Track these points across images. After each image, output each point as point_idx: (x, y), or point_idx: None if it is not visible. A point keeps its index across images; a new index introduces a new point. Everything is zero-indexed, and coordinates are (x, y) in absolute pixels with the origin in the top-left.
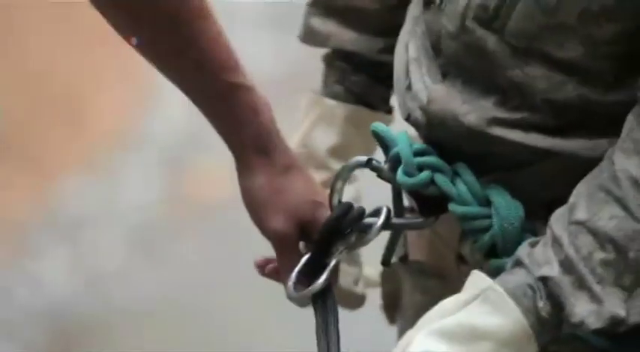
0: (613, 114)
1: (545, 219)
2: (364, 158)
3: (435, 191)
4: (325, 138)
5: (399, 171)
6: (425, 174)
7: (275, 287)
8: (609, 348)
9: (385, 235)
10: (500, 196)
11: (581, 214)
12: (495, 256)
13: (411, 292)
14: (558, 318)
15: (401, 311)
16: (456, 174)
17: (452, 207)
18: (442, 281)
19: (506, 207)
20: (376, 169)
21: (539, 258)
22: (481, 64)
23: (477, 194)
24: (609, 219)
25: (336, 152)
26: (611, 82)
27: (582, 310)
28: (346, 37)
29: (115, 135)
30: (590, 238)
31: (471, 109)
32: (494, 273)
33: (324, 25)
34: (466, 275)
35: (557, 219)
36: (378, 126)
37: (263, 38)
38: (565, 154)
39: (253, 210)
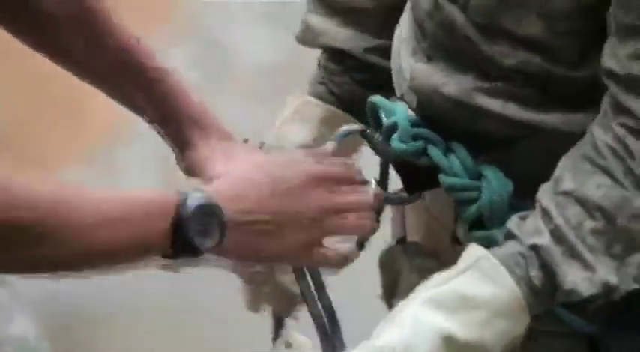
0: (583, 89)
1: (532, 198)
2: (358, 126)
3: (427, 162)
4: (298, 134)
5: (395, 138)
6: (418, 143)
7: None
8: (596, 333)
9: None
10: (493, 171)
11: (567, 185)
12: (481, 228)
13: (408, 274)
14: (551, 287)
15: (398, 295)
16: (449, 150)
17: (442, 178)
18: (438, 263)
19: (496, 181)
20: (368, 137)
21: (530, 228)
22: (456, 42)
23: (469, 168)
24: (596, 187)
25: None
26: (575, 60)
27: (574, 277)
28: (338, 34)
29: (114, 133)
30: (579, 208)
31: (451, 81)
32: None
33: (321, 23)
34: (460, 255)
35: (544, 192)
36: (376, 97)
37: (258, 34)
38: (547, 130)
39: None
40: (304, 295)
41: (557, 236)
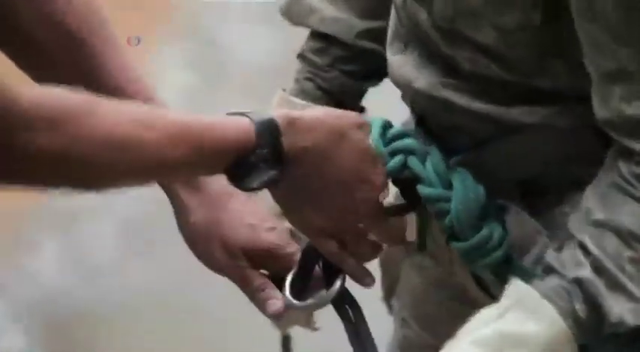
0: (544, 93)
1: (519, 200)
2: None
3: (409, 174)
4: None
5: None
6: (398, 158)
7: None
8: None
9: None
10: (461, 181)
11: (599, 214)
12: (457, 239)
13: (407, 270)
14: (596, 319)
15: (397, 294)
16: (428, 154)
17: (420, 188)
18: (436, 261)
19: (463, 193)
20: None
21: (568, 261)
22: (423, 37)
23: (442, 176)
24: (630, 216)
25: None
26: (533, 71)
27: (620, 309)
28: (328, 14)
29: None
30: (614, 237)
31: (420, 76)
32: (458, 254)
33: None
34: (454, 253)
35: (575, 224)
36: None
37: (258, 34)
38: (518, 125)
39: (193, 247)
40: (347, 328)
41: (598, 267)
